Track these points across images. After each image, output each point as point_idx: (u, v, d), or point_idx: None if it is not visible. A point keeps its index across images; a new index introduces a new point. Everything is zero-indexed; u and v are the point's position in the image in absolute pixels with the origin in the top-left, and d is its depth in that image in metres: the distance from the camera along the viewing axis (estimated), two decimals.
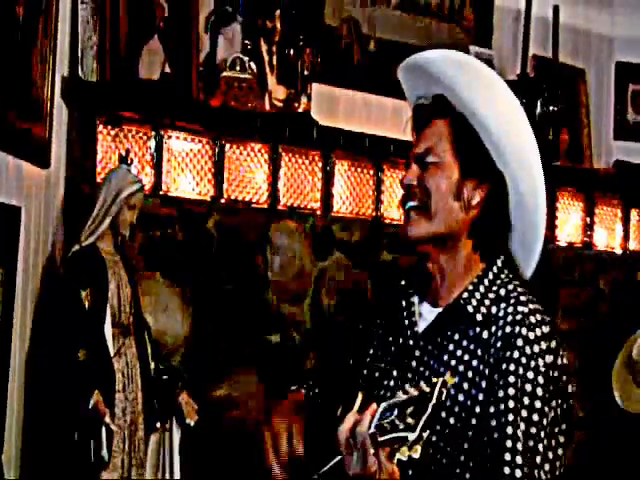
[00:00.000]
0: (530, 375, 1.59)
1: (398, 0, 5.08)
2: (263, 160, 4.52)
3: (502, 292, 1.68)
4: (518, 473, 1.54)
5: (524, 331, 1.61)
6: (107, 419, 3.46)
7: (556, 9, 5.37)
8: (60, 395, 3.50)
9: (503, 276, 1.71)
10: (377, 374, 1.75)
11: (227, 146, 4.42)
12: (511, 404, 1.57)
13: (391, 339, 1.76)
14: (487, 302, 1.67)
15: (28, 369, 3.58)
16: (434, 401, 1.38)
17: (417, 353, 1.70)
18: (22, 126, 3.26)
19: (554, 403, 1.59)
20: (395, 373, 1.72)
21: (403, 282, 1.80)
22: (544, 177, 1.70)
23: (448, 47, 1.80)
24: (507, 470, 1.55)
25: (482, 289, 1.69)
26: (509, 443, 1.55)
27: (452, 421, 1.61)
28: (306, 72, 4.57)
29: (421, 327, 1.72)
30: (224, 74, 4.41)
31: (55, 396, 3.52)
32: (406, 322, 1.74)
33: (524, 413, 1.57)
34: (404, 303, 1.76)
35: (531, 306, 1.65)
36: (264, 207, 4.53)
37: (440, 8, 5.22)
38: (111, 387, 3.58)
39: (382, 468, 1.42)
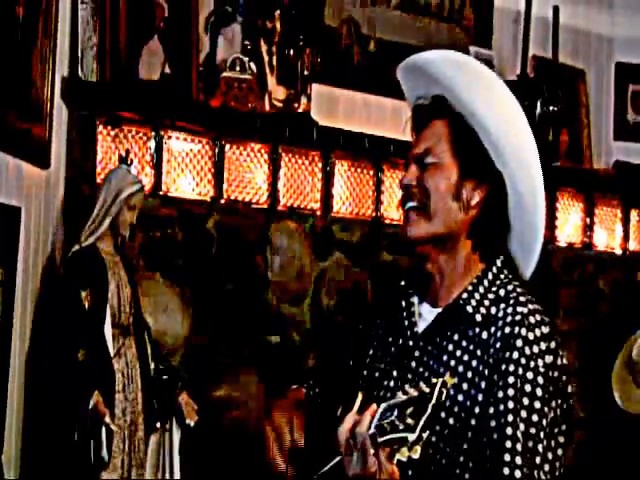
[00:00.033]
0: (530, 376, 1.58)
1: (398, 0, 5.08)
2: (263, 160, 4.52)
3: (501, 292, 1.68)
4: (518, 474, 1.54)
5: (524, 332, 1.61)
6: (107, 419, 3.46)
7: (556, 9, 5.37)
8: (60, 395, 3.50)
9: (502, 276, 1.71)
10: (377, 374, 1.75)
11: (227, 146, 4.42)
12: (511, 405, 1.57)
13: (391, 339, 1.76)
14: (486, 302, 1.67)
15: (28, 369, 3.58)
16: (434, 402, 1.38)
17: (417, 354, 1.70)
18: (22, 126, 3.27)
19: (554, 404, 1.59)
20: (395, 374, 1.72)
21: (403, 282, 1.80)
22: (544, 177, 1.70)
23: (448, 47, 1.80)
24: (506, 471, 1.54)
25: (481, 289, 1.69)
26: (509, 444, 1.55)
27: (452, 422, 1.61)
28: (306, 72, 4.57)
29: (421, 327, 1.72)
30: (224, 74, 4.41)
31: (55, 396, 3.52)
32: (406, 322, 1.74)
33: (524, 414, 1.57)
34: (404, 303, 1.76)
35: (530, 306, 1.65)
36: (264, 207, 4.53)
37: (440, 8, 5.23)
38: (111, 387, 3.58)
39: (382, 468, 1.42)
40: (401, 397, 1.42)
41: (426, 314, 1.73)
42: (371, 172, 4.85)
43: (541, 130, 5.09)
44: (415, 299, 1.76)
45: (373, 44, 4.97)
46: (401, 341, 1.74)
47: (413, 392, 1.41)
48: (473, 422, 1.60)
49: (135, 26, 4.24)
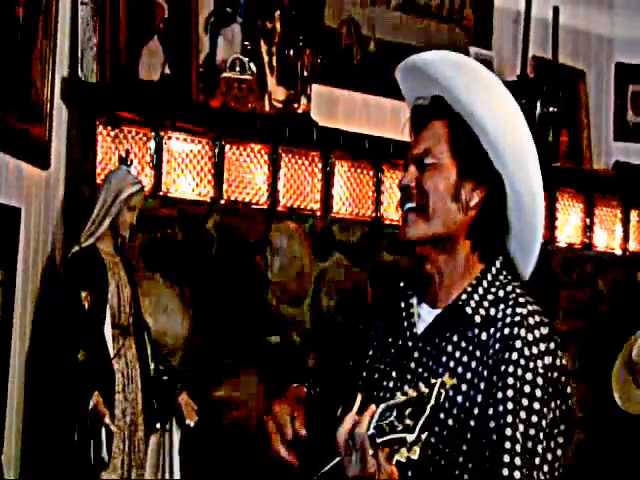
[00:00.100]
0: (529, 376, 1.58)
1: (398, 1, 5.08)
2: (263, 161, 4.52)
3: (501, 293, 1.68)
4: (517, 474, 1.54)
5: (523, 332, 1.61)
6: (107, 420, 3.45)
7: (556, 10, 5.37)
8: (60, 395, 3.50)
9: (502, 277, 1.71)
10: (376, 375, 1.75)
11: (227, 147, 4.42)
12: (510, 406, 1.57)
13: (390, 340, 1.76)
14: (486, 303, 1.67)
15: (28, 369, 3.58)
16: (433, 402, 1.38)
17: (416, 354, 1.70)
18: (22, 127, 3.27)
19: (553, 404, 1.59)
20: (394, 374, 1.72)
21: (402, 283, 1.80)
22: (543, 178, 1.70)
23: (448, 48, 1.80)
24: (506, 471, 1.54)
25: (481, 290, 1.69)
26: (508, 444, 1.55)
27: (451, 422, 1.61)
28: (306, 73, 4.57)
29: (420, 328, 1.72)
30: (224, 75, 4.41)
31: (55, 396, 3.52)
32: (405, 323, 1.74)
33: (523, 415, 1.57)
34: (403, 304, 1.76)
35: (530, 307, 1.65)
36: (264, 208, 4.53)
37: (440, 9, 5.23)
38: (111, 388, 3.58)
39: (381, 469, 1.42)
40: (400, 398, 1.42)
41: (425, 315, 1.73)
42: (371, 172, 4.85)
43: (541, 130, 5.09)
44: (414, 300, 1.76)
45: (373, 44, 4.97)
46: (400, 342, 1.74)
47: (412, 393, 1.41)
48: (472, 423, 1.60)
49: (135, 26, 4.24)
